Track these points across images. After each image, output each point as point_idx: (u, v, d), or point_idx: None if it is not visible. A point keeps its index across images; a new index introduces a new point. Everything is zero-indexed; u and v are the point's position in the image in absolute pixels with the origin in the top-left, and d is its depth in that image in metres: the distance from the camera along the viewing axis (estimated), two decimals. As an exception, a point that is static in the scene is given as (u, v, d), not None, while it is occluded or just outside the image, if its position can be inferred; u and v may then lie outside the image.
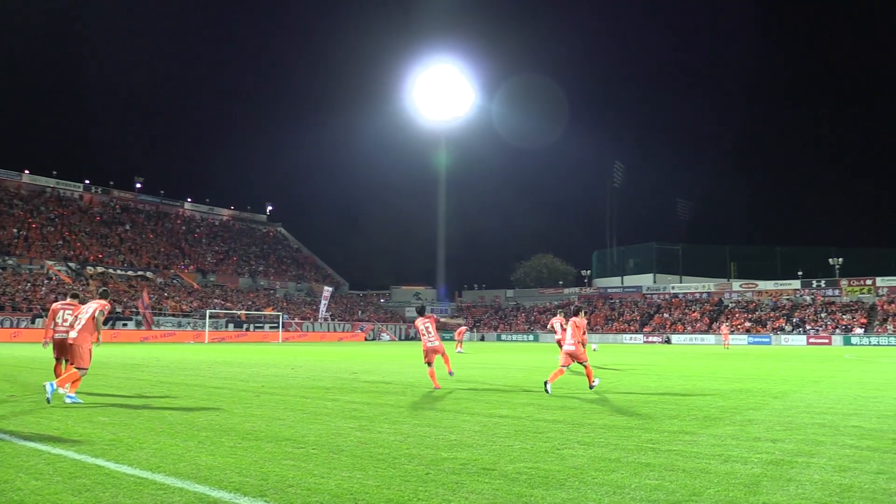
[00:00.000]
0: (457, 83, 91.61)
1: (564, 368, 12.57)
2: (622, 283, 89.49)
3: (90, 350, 10.69)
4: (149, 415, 9.28)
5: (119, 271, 66.95)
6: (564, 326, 19.59)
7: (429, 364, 13.76)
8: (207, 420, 8.83)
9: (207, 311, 58.39)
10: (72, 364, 10.55)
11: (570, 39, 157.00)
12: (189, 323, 59.08)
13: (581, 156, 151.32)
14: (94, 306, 10.80)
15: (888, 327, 61.01)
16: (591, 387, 12.67)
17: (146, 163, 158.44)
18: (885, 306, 65.29)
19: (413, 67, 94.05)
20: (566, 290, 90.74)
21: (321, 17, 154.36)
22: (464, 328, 40.44)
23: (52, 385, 10.07)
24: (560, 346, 19.61)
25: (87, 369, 10.58)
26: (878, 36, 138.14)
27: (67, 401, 10.18)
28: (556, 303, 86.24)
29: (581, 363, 12.58)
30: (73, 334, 10.56)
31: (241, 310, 65.03)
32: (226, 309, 64.20)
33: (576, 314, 12.92)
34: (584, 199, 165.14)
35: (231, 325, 61.40)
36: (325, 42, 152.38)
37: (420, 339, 13.91)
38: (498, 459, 6.37)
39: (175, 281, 70.96)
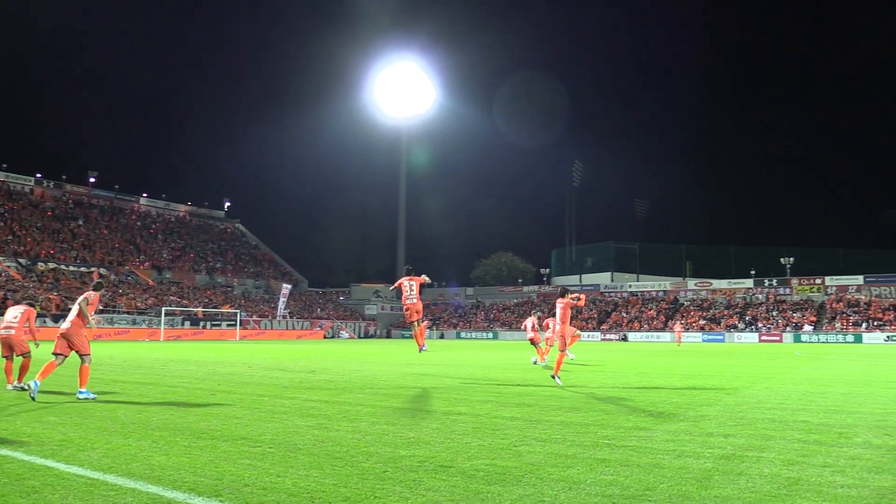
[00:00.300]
0: (418, 80, 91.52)
1: (566, 352, 13.20)
2: (580, 282, 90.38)
3: (86, 336, 11.13)
4: (101, 414, 9.10)
5: (72, 267, 65.38)
6: (536, 327, 20.54)
7: (411, 324, 14.39)
8: (161, 419, 8.69)
9: (163, 309, 57.40)
10: (77, 353, 10.96)
11: (529, 39, 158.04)
12: (144, 321, 58.02)
13: (542, 155, 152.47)
14: (83, 301, 11.06)
15: (836, 325, 62.73)
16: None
17: (101, 157, 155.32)
18: (833, 305, 67.12)
19: (374, 64, 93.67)
20: (525, 289, 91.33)
21: (282, 12, 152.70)
22: (425, 324, 40.45)
23: (36, 383, 10.42)
24: (533, 343, 20.77)
25: (89, 354, 11.08)
26: (828, 37, 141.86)
27: (80, 397, 10.69)
28: (515, 301, 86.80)
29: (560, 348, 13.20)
30: (64, 325, 10.97)
31: (197, 307, 64.05)
32: (182, 306, 63.19)
33: (562, 296, 13.53)
34: (543, 198, 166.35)
35: (187, 323, 60.48)
36: (284, 37, 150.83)
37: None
38: (455, 457, 6.39)
39: (130, 278, 69.62)
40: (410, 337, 59.10)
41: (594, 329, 73.52)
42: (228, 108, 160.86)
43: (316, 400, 11.04)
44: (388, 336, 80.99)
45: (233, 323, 62.71)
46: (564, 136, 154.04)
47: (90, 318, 11.08)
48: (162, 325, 55.05)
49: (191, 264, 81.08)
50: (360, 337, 76.19)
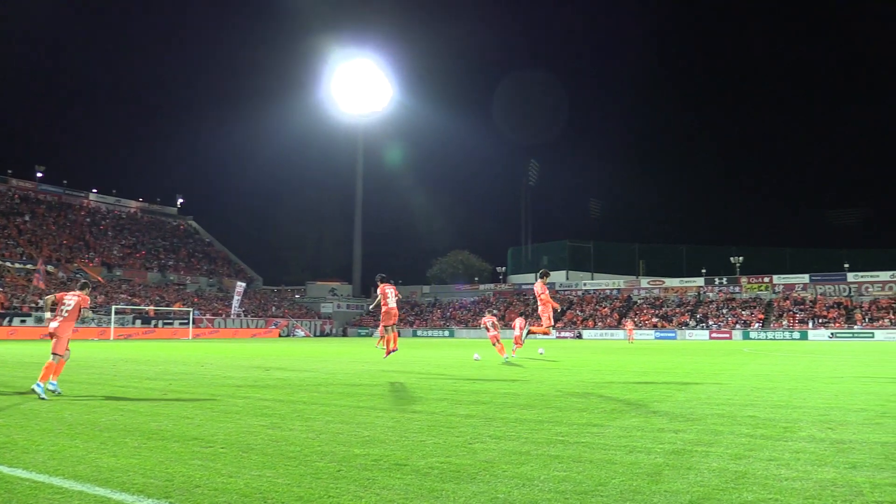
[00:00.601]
0: (375, 78, 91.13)
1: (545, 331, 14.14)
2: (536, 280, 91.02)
3: (68, 338, 11.16)
4: (46, 415, 8.87)
5: (17, 264, 63.55)
6: (495, 324, 22.63)
7: (386, 329, 14.95)
8: (110, 420, 8.50)
9: (113, 307, 56.14)
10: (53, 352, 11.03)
11: (486, 38, 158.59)
12: (93, 319, 56.67)
13: (498, 154, 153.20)
14: (76, 299, 11.22)
15: (783, 322, 64.39)
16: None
17: (48, 151, 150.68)
18: (780, 303, 68.89)
19: (331, 61, 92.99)
20: (482, 287, 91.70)
21: (237, 6, 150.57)
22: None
23: (40, 385, 10.63)
24: (495, 342, 22.15)
25: (67, 355, 11.18)
26: (776, 41, 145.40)
27: (50, 387, 10.89)
28: (471, 299, 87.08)
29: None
30: (54, 324, 11.03)
31: (148, 305, 62.81)
32: (133, 304, 61.88)
33: (542, 277, 14.45)
34: (500, 196, 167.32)
35: (138, 322, 59.31)
36: (240, 32, 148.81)
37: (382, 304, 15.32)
38: (410, 455, 6.39)
39: (78, 275, 67.86)
40: (367, 335, 61.94)
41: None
42: (182, 104, 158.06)
43: (270, 399, 10.93)
44: (345, 334, 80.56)
45: (185, 321, 61.67)
46: (521, 136, 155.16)
47: (75, 316, 11.23)
48: (112, 323, 53.85)
49: (142, 262, 79.46)
50: (315, 335, 75.60)
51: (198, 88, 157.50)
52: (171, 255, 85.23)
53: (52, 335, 11.03)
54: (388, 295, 15.17)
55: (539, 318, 19.33)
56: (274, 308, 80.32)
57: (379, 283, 15.39)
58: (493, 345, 22.61)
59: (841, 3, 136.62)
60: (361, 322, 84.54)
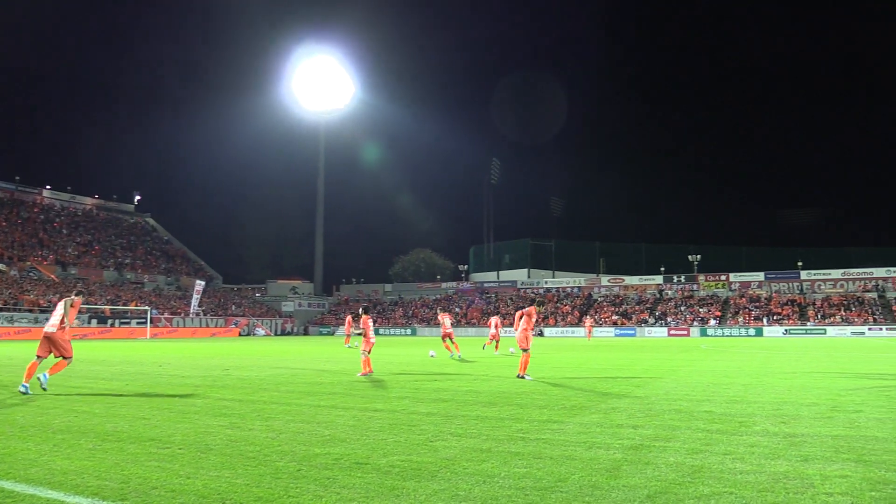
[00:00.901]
0: (336, 75, 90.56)
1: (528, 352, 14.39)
2: (498, 278, 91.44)
3: (68, 340, 11.69)
4: (-3, 417, 8.65)
5: (-34, 263, 61.77)
6: (498, 324, 25.77)
7: (364, 352, 15.58)
8: (64, 422, 8.32)
9: (67, 306, 54.79)
10: (56, 355, 11.60)
11: (449, 37, 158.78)
12: (47, 319, 55.24)
13: (460, 152, 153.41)
14: (64, 305, 11.75)
15: (739, 319, 65.67)
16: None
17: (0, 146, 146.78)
18: (736, 300, 70.25)
19: (292, 58, 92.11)
20: (444, 285, 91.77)
21: (197, 1, 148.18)
22: (350, 317, 40.90)
23: (45, 375, 11.40)
24: (448, 339, 23.25)
25: (71, 357, 11.67)
26: (732, 43, 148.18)
27: (42, 378, 11.36)
28: (433, 297, 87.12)
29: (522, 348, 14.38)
30: (49, 328, 11.55)
31: (105, 304, 61.58)
32: (88, 304, 60.58)
33: (534, 304, 14.96)
34: (462, 195, 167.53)
35: (94, 321, 58.08)
36: (199, 27, 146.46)
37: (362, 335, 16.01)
38: (371, 453, 6.38)
39: (32, 273, 66.29)
40: (328, 334, 63.68)
41: (511, 325, 74.37)
42: (140, 99, 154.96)
43: (229, 399, 10.81)
44: (306, 333, 79.96)
45: (143, 321, 60.58)
46: (483, 134, 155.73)
47: (69, 321, 11.76)
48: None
49: (98, 260, 77.82)
50: (276, 334, 74.88)
51: (156, 83, 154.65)
52: (127, 253, 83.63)
53: (48, 339, 11.50)
54: (370, 326, 16.14)
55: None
56: (234, 307, 79.35)
57: (363, 314, 16.44)
58: (491, 342, 26.24)
59: (794, 3, 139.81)
60: (323, 320, 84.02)
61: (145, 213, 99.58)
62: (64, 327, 11.61)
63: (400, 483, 5.28)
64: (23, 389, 11.10)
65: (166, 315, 66.06)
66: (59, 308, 11.76)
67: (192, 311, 69.45)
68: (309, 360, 21.61)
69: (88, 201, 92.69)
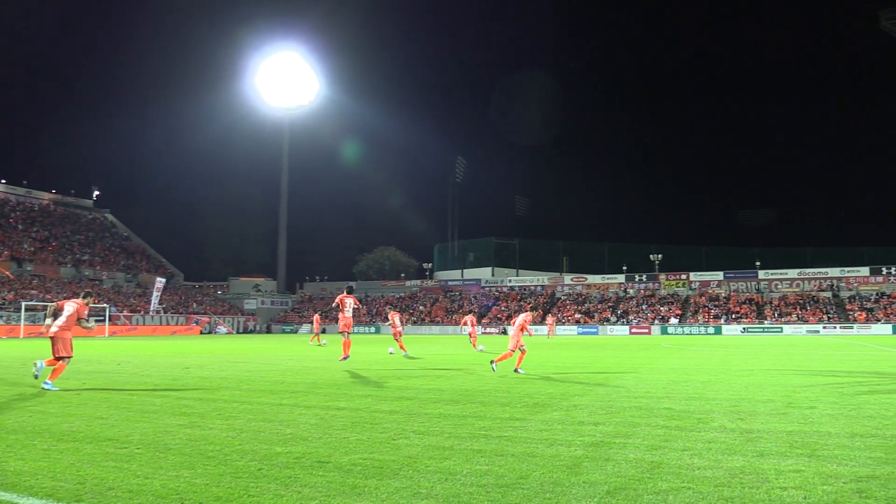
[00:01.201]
0: (301, 71, 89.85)
1: (512, 352, 15.03)
2: (462, 276, 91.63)
3: (70, 340, 12.03)
4: (-53, 417, 8.42)
5: (-85, 259, 59.96)
6: (473, 322, 26.95)
7: (342, 334, 16.90)
8: (18, 422, 8.14)
9: (23, 304, 53.60)
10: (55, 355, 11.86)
11: (411, 35, 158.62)
12: (2, 317, 54.04)
13: (426, 151, 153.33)
14: (75, 307, 12.13)
15: (699, 318, 66.75)
16: (515, 370, 15.00)
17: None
18: (696, 299, 71.42)
19: (256, 54, 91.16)
20: (408, 283, 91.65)
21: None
22: (318, 315, 41.07)
23: (41, 363, 12.05)
24: (397, 337, 23.91)
25: (70, 358, 11.98)
26: (690, 45, 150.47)
27: (44, 387, 11.55)
28: (398, 295, 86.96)
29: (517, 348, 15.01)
30: (53, 329, 11.85)
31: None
32: (45, 301, 59.24)
33: (532, 310, 16.38)
34: (427, 193, 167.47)
35: (51, 319, 56.67)
36: (162, 21, 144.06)
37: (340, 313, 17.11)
38: (333, 452, 6.35)
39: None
40: (291, 332, 63.52)
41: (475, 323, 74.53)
42: (99, 93, 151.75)
43: (189, 398, 10.67)
44: (269, 331, 79.22)
45: (101, 318, 59.44)
46: (448, 133, 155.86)
47: (72, 322, 12.12)
48: (22, 321, 51.41)
49: (55, 256, 76.10)
50: (238, 332, 74.07)
51: (116, 77, 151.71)
52: (86, 250, 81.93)
53: (51, 339, 11.84)
54: (347, 305, 16.56)
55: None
56: (195, 304, 78.28)
57: (345, 293, 17.10)
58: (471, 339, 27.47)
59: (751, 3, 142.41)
60: (286, 319, 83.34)
61: (104, 208, 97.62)
62: (68, 328, 11.97)
63: (362, 481, 5.26)
64: (47, 386, 11.56)
65: (125, 313, 64.92)
66: (68, 309, 12.11)
67: (152, 308, 68.33)
68: (271, 359, 21.42)
69: (45, 196, 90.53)
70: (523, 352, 15.18)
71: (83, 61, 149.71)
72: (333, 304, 16.48)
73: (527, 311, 16.78)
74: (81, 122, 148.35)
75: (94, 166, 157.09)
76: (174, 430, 7.52)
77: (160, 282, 71.39)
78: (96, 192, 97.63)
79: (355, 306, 18.04)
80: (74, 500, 4.79)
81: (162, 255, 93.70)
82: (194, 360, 20.83)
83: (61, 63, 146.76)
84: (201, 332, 68.45)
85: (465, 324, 27.71)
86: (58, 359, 11.81)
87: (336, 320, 18.23)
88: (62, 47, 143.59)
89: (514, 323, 16.00)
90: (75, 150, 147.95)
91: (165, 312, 69.94)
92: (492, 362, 15.24)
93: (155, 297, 69.11)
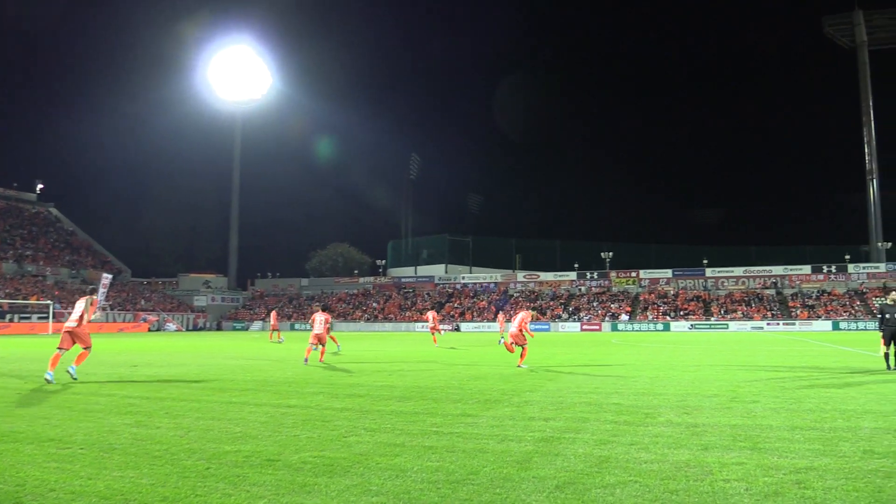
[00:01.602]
0: (253, 65, 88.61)
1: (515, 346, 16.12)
2: (416, 273, 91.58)
3: (88, 333, 12.87)
4: None
5: None
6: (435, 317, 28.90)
7: (315, 346, 18.14)
8: (-46, 422, 7.87)
9: (-40, 300, 51.84)
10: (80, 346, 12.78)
11: (364, 31, 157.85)
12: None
13: (379, 147, 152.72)
14: (84, 303, 12.90)
15: (648, 314, 67.93)
16: (519, 366, 15.75)
17: None
18: (645, 296, 72.67)
19: (208, 47, 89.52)
20: (361, 280, 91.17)
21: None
22: (275, 312, 40.68)
23: (73, 368, 12.71)
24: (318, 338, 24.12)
25: (90, 347, 12.85)
26: (648, 45, 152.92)
27: (71, 370, 12.58)
28: (351, 292, 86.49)
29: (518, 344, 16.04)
30: (70, 323, 12.70)
31: (3, 298, 58.41)
32: (-17, 298, 57.38)
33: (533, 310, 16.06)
34: (381, 190, 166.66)
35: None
36: (108, 10, 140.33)
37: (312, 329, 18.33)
38: (283, 450, 6.30)
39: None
40: (242, 329, 63.45)
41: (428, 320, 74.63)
42: (43, 84, 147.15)
43: (136, 396, 10.45)
44: (219, 328, 78.05)
45: (45, 315, 57.78)
46: (403, 129, 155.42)
47: (88, 317, 12.89)
48: (-41, 318, 49.74)
49: (-5, 251, 73.73)
50: (188, 329, 72.83)
51: (61, 67, 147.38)
52: (29, 245, 79.52)
53: (70, 333, 12.57)
54: (317, 321, 17.75)
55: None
56: (143, 301, 76.61)
57: (319, 311, 18.39)
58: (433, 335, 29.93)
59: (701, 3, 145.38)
60: (237, 315, 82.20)
61: (48, 202, 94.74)
62: (83, 322, 12.72)
63: (312, 479, 5.23)
64: (48, 377, 12.05)
65: (70, 310, 63.21)
66: (80, 305, 12.90)
67: (98, 305, 66.66)
68: (221, 357, 21.13)
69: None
70: (511, 349, 16.39)
71: (24, 52, 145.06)
72: (308, 322, 17.60)
73: (526, 309, 17.22)
74: (23, 114, 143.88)
75: (38, 159, 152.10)
76: (119, 430, 7.36)
77: (107, 278, 68.99)
78: (40, 186, 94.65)
79: (326, 325, 18.80)
80: (14, 502, 4.66)
81: (109, 251, 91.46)
82: (142, 357, 20.44)
83: (1, 54, 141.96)
84: (149, 330, 67.10)
85: (427, 319, 29.68)
86: (86, 349, 12.76)
87: (289, 317, 18.38)
88: (2, 39, 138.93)
89: (513, 320, 16.52)
90: (18, 142, 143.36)
91: (112, 309, 68.33)
92: (518, 366, 15.80)
93: (101, 293, 67.26)
